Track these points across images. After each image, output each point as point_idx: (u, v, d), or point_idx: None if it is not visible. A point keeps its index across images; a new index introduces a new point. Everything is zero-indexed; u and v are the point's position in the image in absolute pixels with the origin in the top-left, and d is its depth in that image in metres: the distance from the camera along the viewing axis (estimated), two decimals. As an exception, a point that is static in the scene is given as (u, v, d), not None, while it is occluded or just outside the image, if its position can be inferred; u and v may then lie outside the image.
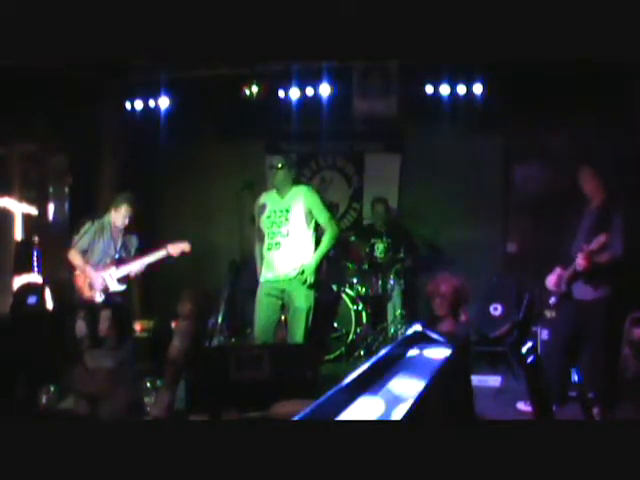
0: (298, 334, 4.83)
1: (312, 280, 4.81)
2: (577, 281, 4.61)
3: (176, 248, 5.37)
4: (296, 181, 5.07)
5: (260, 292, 4.94)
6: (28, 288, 6.13)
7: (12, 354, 4.81)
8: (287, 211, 4.89)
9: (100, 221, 5.46)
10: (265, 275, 4.95)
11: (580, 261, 4.50)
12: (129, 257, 5.44)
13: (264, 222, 4.95)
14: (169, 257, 5.42)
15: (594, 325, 4.54)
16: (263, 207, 5.01)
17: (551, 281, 4.77)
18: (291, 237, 4.87)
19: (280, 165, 4.93)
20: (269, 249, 4.91)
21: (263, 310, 4.90)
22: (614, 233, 4.52)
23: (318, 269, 4.88)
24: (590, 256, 4.46)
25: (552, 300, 4.82)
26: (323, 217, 4.92)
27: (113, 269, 5.37)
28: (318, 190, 5.37)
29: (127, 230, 5.48)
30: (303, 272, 4.79)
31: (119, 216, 5.41)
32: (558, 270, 4.71)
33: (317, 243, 4.94)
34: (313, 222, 4.91)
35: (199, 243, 7.12)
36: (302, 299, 4.84)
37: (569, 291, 4.66)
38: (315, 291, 4.89)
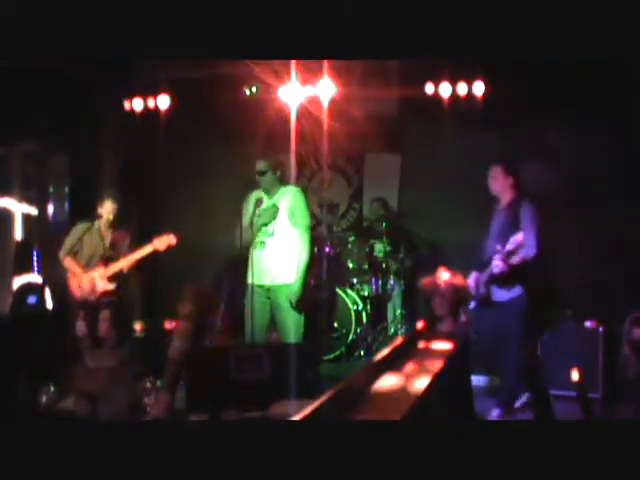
0: (287, 332, 4.84)
1: (298, 299, 4.82)
2: (494, 283, 4.63)
3: (162, 242, 5.35)
4: (284, 182, 5.04)
5: (248, 293, 4.94)
6: (28, 288, 6.13)
7: (12, 354, 4.81)
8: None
9: (89, 221, 5.47)
10: (251, 276, 4.92)
11: (497, 262, 4.51)
12: (119, 255, 5.42)
13: (255, 219, 4.92)
14: (157, 252, 5.39)
15: (511, 325, 4.56)
16: (260, 201, 4.96)
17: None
18: (276, 236, 4.87)
19: (264, 170, 4.92)
20: (255, 247, 4.90)
21: (253, 311, 4.90)
22: (525, 232, 4.56)
23: (303, 287, 4.87)
24: (507, 257, 4.47)
25: (472, 305, 4.80)
26: (302, 222, 4.91)
27: (102, 268, 5.36)
28: (306, 194, 5.33)
29: (116, 228, 5.47)
30: (289, 292, 4.82)
31: (104, 213, 5.41)
32: (474, 274, 4.71)
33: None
34: (296, 224, 4.91)
35: (199, 243, 7.15)
36: (290, 296, 4.85)
37: (488, 294, 4.67)
38: (302, 291, 4.89)
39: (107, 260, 5.38)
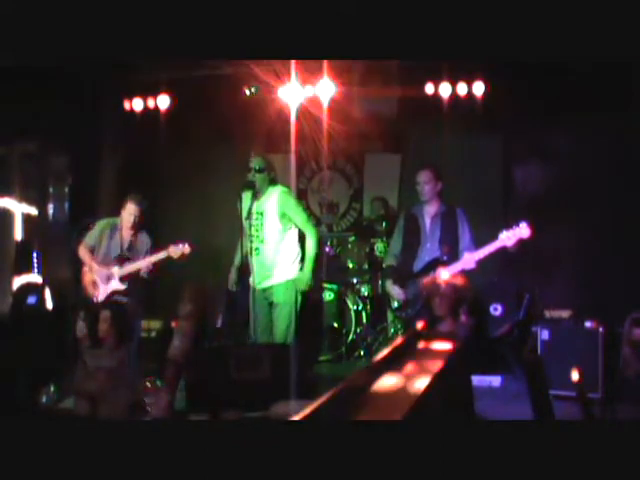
0: (279, 330, 4.84)
1: (308, 288, 4.88)
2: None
3: (177, 250, 5.36)
4: (274, 183, 5.00)
5: (250, 295, 4.97)
6: (28, 288, 6.12)
7: (12, 354, 4.81)
8: (262, 215, 4.89)
9: (112, 220, 5.50)
10: (250, 280, 4.96)
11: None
12: (136, 257, 5.44)
13: (245, 221, 4.93)
14: (169, 259, 5.41)
15: None
16: (252, 204, 4.96)
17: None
18: (268, 243, 4.88)
19: (258, 167, 4.90)
20: (250, 253, 4.91)
21: (255, 313, 4.93)
22: (467, 238, 4.75)
23: (313, 276, 4.92)
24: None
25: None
26: (299, 219, 4.91)
27: (116, 268, 5.38)
28: (292, 193, 5.31)
29: (137, 230, 5.49)
30: (299, 282, 4.86)
31: (126, 214, 5.44)
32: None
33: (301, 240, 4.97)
34: (291, 224, 4.90)
35: (199, 243, 7.14)
36: (282, 295, 4.87)
37: None
38: (312, 282, 4.90)
39: (123, 260, 5.40)
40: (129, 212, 5.42)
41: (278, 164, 5.68)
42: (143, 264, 5.39)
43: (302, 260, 4.95)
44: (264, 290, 4.93)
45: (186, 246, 5.34)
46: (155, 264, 5.39)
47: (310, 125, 7.19)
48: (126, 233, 5.47)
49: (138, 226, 5.47)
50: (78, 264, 5.54)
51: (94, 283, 5.40)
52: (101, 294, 5.37)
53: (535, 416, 3.01)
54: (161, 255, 5.36)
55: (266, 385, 4.34)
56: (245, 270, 5.03)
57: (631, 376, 4.67)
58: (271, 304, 4.92)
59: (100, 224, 5.53)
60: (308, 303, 5.04)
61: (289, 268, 4.92)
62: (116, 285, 5.38)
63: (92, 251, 5.47)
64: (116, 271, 5.37)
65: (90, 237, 5.51)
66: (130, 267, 5.39)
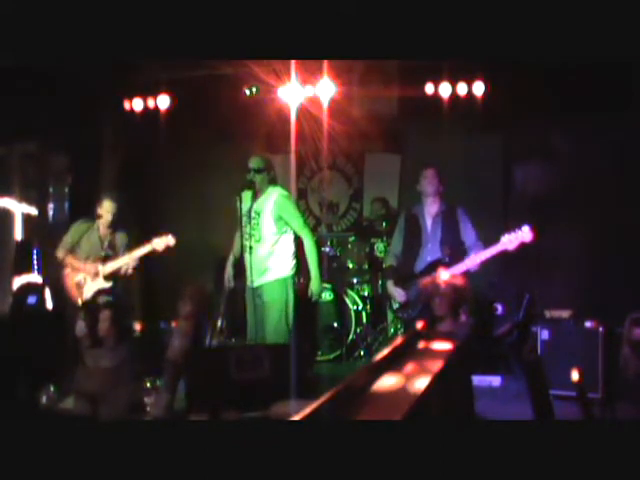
0: (269, 328, 4.82)
1: (320, 294, 5.01)
2: None
3: (161, 242, 5.32)
4: (273, 183, 4.97)
5: (246, 293, 4.98)
6: (28, 288, 6.13)
7: (12, 354, 4.81)
8: (259, 215, 4.88)
9: (89, 220, 5.48)
10: (248, 278, 4.95)
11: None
12: (116, 254, 5.43)
13: (244, 219, 4.93)
14: (155, 252, 5.38)
15: None
16: (251, 206, 4.96)
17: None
18: (262, 243, 4.87)
19: (257, 168, 4.87)
20: (245, 251, 4.90)
21: (249, 311, 4.94)
22: (470, 236, 4.77)
23: (322, 281, 4.99)
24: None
25: None
26: (296, 224, 4.89)
27: (99, 266, 5.37)
28: (290, 195, 5.27)
29: (115, 228, 5.48)
30: (311, 291, 4.89)
31: (103, 212, 5.42)
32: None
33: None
34: (286, 227, 4.89)
35: (199, 243, 7.14)
36: (273, 292, 4.85)
37: None
38: (289, 287, 4.89)
39: (105, 259, 5.39)
40: (106, 210, 5.41)
41: (278, 164, 5.69)
42: (127, 260, 5.37)
43: (296, 258, 4.95)
44: (257, 288, 4.92)
45: (169, 237, 5.30)
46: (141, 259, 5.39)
47: (310, 125, 7.19)
48: (104, 231, 5.46)
49: (115, 224, 5.46)
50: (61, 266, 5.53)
51: (78, 284, 5.39)
52: (86, 294, 5.36)
53: (535, 416, 3.02)
54: (145, 249, 5.33)
55: (266, 385, 4.33)
56: (240, 267, 5.02)
57: (631, 376, 4.67)
58: (263, 302, 4.91)
59: (76, 226, 5.51)
60: (303, 302, 5.03)
61: (282, 267, 4.90)
62: (101, 284, 5.37)
63: (72, 252, 5.47)
64: (100, 270, 5.37)
65: (68, 240, 5.47)
66: (113, 265, 5.38)
